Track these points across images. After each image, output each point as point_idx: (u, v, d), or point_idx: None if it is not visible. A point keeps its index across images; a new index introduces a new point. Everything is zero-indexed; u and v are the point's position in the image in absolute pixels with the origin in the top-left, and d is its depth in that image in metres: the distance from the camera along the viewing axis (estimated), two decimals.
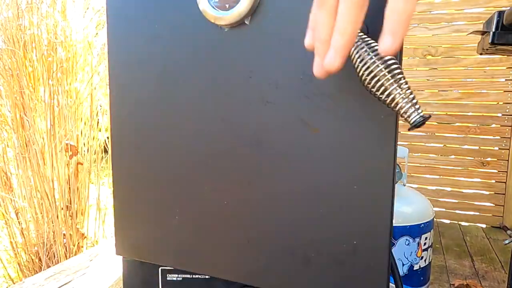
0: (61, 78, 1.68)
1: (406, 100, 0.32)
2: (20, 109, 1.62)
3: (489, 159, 1.95)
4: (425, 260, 0.92)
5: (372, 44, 0.32)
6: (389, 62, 0.31)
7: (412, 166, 2.03)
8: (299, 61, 0.39)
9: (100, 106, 1.90)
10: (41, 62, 1.64)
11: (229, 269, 0.44)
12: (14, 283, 1.57)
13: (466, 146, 1.97)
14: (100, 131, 1.90)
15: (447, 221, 2.04)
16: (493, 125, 1.92)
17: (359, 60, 0.33)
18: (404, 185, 0.95)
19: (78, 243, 1.76)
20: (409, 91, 0.32)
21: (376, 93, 0.33)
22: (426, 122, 0.32)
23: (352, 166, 0.39)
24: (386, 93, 0.32)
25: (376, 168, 0.38)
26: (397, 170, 0.92)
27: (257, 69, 0.40)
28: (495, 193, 1.96)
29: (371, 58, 0.32)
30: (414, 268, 0.91)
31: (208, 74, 0.43)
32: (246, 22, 0.40)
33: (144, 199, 0.48)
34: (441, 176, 2.03)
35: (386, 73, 0.32)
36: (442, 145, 2.00)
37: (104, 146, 1.91)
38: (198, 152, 0.44)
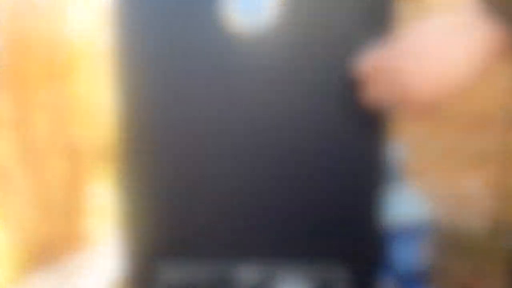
0: (61, 78, 1.68)
1: None
2: (21, 109, 1.62)
3: (489, 159, 1.94)
4: (425, 260, 0.92)
5: None
6: None
7: (412, 166, 2.02)
8: (315, 70, 0.45)
9: (100, 106, 1.90)
10: (41, 62, 1.64)
11: (252, 250, 0.49)
12: (14, 283, 1.57)
13: (466, 146, 1.97)
14: (100, 131, 1.90)
15: (447, 221, 2.04)
16: (494, 125, 1.92)
17: None
18: (404, 186, 0.95)
19: (78, 243, 1.76)
20: None
21: None
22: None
23: (354, 152, 0.47)
24: None
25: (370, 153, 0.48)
26: (397, 171, 0.92)
27: (278, 77, 0.46)
28: (496, 193, 1.96)
29: None
30: (414, 269, 0.91)
31: (226, 79, 0.48)
32: (268, 35, 0.45)
33: (166, 195, 0.49)
34: (442, 176, 2.02)
35: None
36: (443, 145, 1.99)
37: (105, 146, 1.90)
38: (221, 149, 0.49)
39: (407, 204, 0.88)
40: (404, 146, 1.01)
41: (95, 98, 1.87)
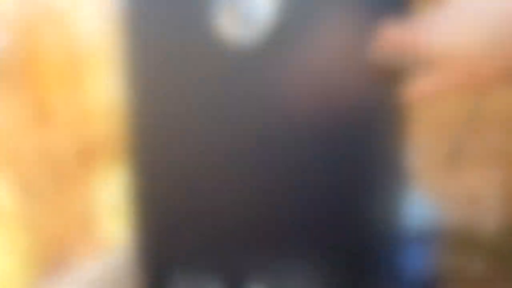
0: (64, 79, 1.68)
1: None
2: (35, 110, 1.62)
3: (501, 158, 1.94)
4: (429, 261, 0.92)
5: None
6: None
7: (422, 167, 2.02)
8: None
9: (101, 105, 1.90)
10: (43, 63, 1.64)
11: (259, 253, 0.49)
12: (14, 283, 1.57)
13: (477, 146, 1.96)
14: (114, 132, 1.90)
15: (452, 222, 2.03)
16: (503, 124, 1.91)
17: None
18: (414, 188, 0.95)
19: (81, 243, 1.77)
20: None
21: None
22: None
23: (362, 154, 0.47)
24: None
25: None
26: (407, 173, 0.91)
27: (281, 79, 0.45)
28: (501, 193, 1.96)
29: None
30: (419, 271, 0.91)
31: (230, 84, 0.47)
32: (259, 49, 0.45)
33: (176, 203, 0.49)
34: (452, 177, 2.02)
35: None
36: (453, 145, 1.99)
37: (107, 145, 1.90)
38: (226, 152, 0.48)
39: (417, 206, 0.87)
40: (413, 147, 1.01)
41: (108, 98, 1.87)
